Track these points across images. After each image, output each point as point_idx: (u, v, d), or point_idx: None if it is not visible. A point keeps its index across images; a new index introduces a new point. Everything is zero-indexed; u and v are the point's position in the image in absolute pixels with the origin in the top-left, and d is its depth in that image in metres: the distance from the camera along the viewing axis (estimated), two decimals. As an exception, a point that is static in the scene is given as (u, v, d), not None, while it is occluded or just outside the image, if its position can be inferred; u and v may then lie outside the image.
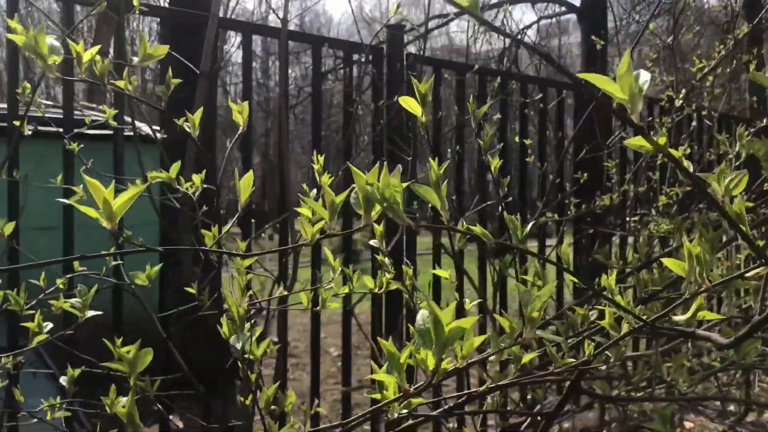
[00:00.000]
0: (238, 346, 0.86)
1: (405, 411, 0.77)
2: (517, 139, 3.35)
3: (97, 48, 0.86)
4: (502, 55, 5.87)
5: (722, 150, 3.66)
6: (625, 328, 0.88)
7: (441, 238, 2.97)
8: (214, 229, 1.43)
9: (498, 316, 0.81)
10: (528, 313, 0.74)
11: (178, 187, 1.84)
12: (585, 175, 3.06)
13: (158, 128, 2.64)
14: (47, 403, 1.62)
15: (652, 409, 1.18)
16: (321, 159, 1.28)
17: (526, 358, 1.06)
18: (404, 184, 0.68)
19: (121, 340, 1.32)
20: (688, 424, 4.08)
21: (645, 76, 0.59)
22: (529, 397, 2.17)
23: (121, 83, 1.02)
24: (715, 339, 0.81)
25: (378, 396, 0.84)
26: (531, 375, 1.01)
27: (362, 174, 0.69)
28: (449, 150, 3.36)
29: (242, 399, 1.44)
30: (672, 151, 0.64)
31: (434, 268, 3.03)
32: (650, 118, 3.86)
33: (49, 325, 1.48)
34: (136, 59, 0.93)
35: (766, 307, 0.75)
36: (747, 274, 0.72)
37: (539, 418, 1.24)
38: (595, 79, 0.58)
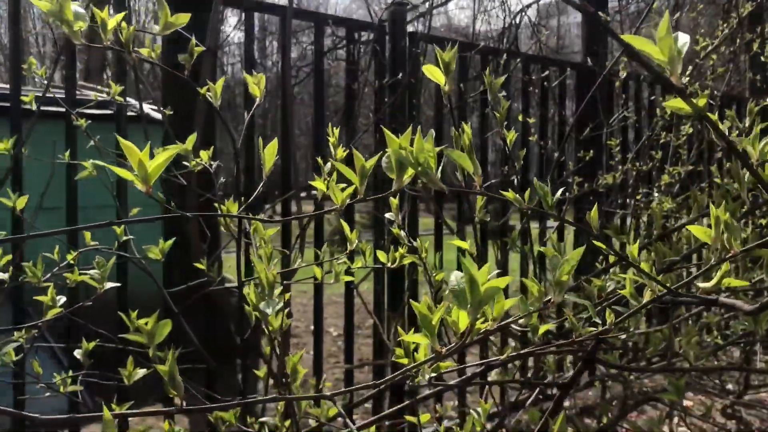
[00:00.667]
0: (269, 311, 0.87)
1: (434, 374, 0.77)
2: (520, 117, 3.35)
3: (122, 14, 0.86)
4: (502, 35, 5.84)
5: (725, 127, 3.67)
6: (647, 296, 0.89)
7: (440, 219, 2.98)
8: (228, 202, 1.43)
9: (526, 280, 0.81)
10: (557, 277, 0.75)
11: (186, 163, 1.84)
12: (591, 152, 3.07)
13: (155, 107, 2.64)
14: (59, 377, 1.62)
15: (669, 381, 1.19)
16: (336, 131, 1.28)
17: (544, 327, 1.07)
18: (438, 149, 0.68)
19: (136, 313, 1.32)
20: (687, 403, 4.13)
21: (684, 38, 0.59)
22: (539, 374, 2.18)
23: (145, 51, 1.01)
24: (740, 306, 0.82)
25: (405, 360, 0.85)
26: (550, 344, 1.02)
27: (396, 138, 0.69)
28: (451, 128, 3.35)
29: (256, 371, 1.45)
30: (709, 114, 0.64)
31: (436, 248, 3.03)
32: (652, 98, 3.87)
33: (63, 299, 1.48)
34: (157, 27, 0.93)
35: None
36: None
37: (556, 389, 1.25)
38: (635, 41, 0.58)
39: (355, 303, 3.28)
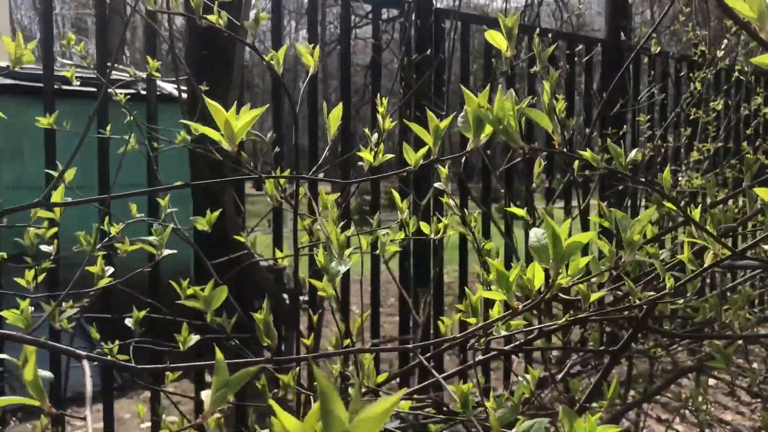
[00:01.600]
0: (341, 269, 0.89)
1: (505, 332, 0.79)
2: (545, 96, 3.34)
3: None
4: (524, 13, 5.81)
5: (756, 103, 3.63)
6: (709, 259, 0.90)
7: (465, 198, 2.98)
8: (276, 172, 1.45)
9: (597, 240, 0.83)
10: (628, 237, 0.76)
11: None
12: (624, 127, 3.05)
13: (178, 87, 2.66)
14: (107, 346, 1.66)
15: (717, 350, 1.20)
16: (385, 101, 1.29)
17: (595, 295, 1.08)
18: (517, 106, 0.69)
19: (186, 282, 1.35)
20: (711, 381, 4.14)
21: (772, -6, 0.60)
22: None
23: (212, 17, 1.02)
24: (803, 266, 0.82)
25: (473, 320, 0.86)
26: (605, 310, 1.03)
27: (474, 96, 0.70)
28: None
29: (304, 340, 1.47)
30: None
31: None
32: (681, 74, 3.83)
33: (111, 269, 1.51)
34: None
35: None
36: None
37: (606, 355, 1.27)
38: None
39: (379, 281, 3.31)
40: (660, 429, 3.50)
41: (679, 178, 3.03)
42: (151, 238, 1.23)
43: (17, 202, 1.71)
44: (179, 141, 1.94)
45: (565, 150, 0.70)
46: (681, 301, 1.00)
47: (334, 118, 1.00)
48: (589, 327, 1.75)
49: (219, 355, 0.51)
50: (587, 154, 0.78)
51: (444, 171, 1.24)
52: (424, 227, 1.52)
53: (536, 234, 0.68)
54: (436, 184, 1.27)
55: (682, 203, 2.03)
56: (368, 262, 3.69)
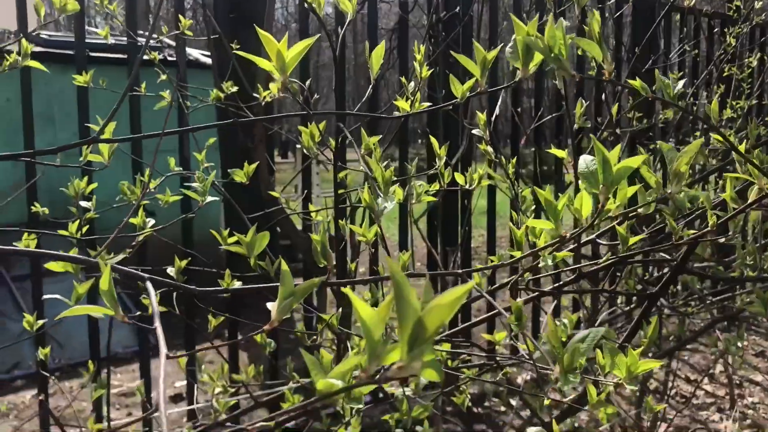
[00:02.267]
0: (388, 205, 0.90)
1: (551, 262, 0.80)
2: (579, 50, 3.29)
3: None
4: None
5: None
6: (753, 195, 0.90)
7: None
8: (311, 126, 1.46)
9: (644, 171, 0.83)
10: (675, 168, 0.76)
11: (256, 95, 1.87)
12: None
13: (205, 53, 2.68)
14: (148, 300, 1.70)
15: (757, 295, 1.20)
16: (422, 48, 1.29)
17: (634, 239, 1.09)
18: (568, 37, 0.69)
19: (226, 231, 1.37)
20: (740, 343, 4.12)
21: None
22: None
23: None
24: None
25: (517, 253, 0.87)
26: (646, 249, 1.04)
27: (523, 25, 0.70)
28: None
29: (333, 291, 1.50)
30: None
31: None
32: (715, 30, 3.75)
33: (152, 221, 1.54)
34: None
35: None
36: None
37: (644, 299, 1.28)
38: None
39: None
40: (689, 389, 3.51)
41: (711, 137, 2.99)
42: (194, 184, 1.25)
43: (50, 168, 1.76)
44: (212, 98, 1.96)
45: (613, 78, 0.70)
46: (722, 240, 1.00)
47: (376, 57, 1.01)
48: (623, 280, 1.75)
49: (284, 266, 0.53)
50: (636, 83, 0.78)
51: (482, 116, 1.25)
52: (459, 177, 1.53)
53: (585, 161, 0.68)
54: (474, 131, 1.27)
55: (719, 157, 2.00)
56: (393, 226, 3.70)
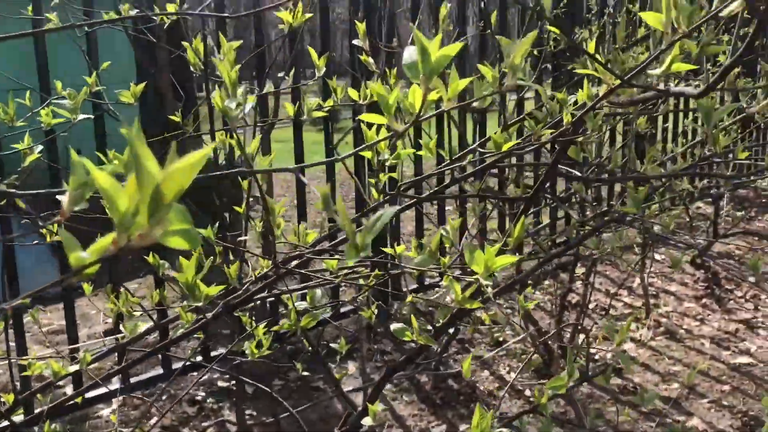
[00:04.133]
0: (233, 106, 0.89)
1: (389, 156, 0.81)
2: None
3: None
4: None
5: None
6: (603, 90, 0.92)
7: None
8: (195, 41, 1.42)
9: (481, 66, 0.84)
10: (510, 61, 0.77)
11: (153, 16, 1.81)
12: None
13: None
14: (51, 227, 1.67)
15: (630, 195, 1.24)
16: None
17: (508, 145, 1.11)
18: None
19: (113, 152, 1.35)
20: (658, 256, 4.31)
21: None
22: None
23: None
24: (689, 92, 0.85)
25: (368, 154, 0.88)
26: (511, 151, 1.06)
27: None
28: None
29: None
30: None
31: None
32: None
33: (40, 147, 1.50)
34: None
35: (736, 50, 0.78)
36: (722, 12, 0.75)
37: (521, 202, 1.32)
38: None
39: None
40: (608, 301, 3.67)
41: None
42: (64, 102, 1.21)
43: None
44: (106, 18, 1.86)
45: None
46: (581, 139, 1.03)
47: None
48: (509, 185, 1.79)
49: (74, 155, 0.51)
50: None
51: (361, 26, 1.23)
52: (352, 93, 1.52)
53: (409, 52, 0.69)
54: (354, 41, 1.26)
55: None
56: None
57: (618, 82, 0.87)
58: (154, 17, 1.81)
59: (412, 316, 1.07)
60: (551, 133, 0.98)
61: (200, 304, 0.83)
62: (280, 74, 2.17)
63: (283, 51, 2.40)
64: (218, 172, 1.19)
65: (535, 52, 3.25)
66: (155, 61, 2.37)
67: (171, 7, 1.67)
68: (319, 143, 3.33)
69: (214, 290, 0.87)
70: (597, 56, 0.86)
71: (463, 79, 0.74)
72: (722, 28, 1.33)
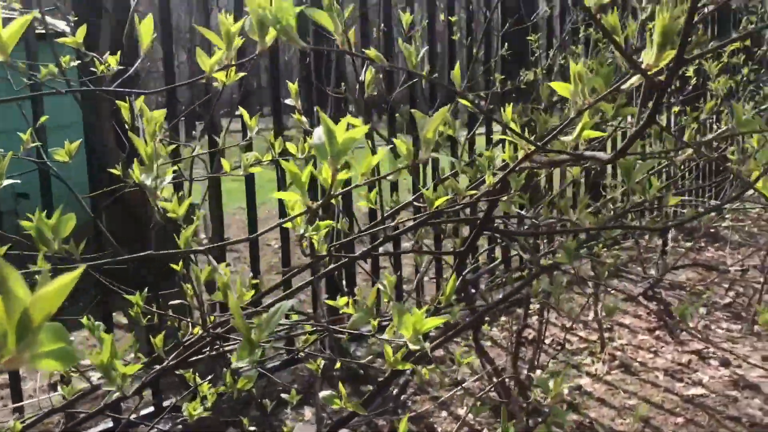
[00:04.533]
0: (149, 182, 0.88)
1: (304, 228, 0.82)
2: (442, 17, 3.34)
3: None
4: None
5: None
6: (520, 154, 0.94)
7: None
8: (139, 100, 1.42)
9: (396, 140, 0.85)
10: (423, 135, 0.79)
11: (93, 69, 1.80)
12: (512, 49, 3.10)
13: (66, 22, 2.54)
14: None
15: (564, 248, 1.27)
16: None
17: (441, 200, 1.13)
18: (297, 9, 0.70)
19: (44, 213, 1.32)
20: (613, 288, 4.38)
21: None
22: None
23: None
24: (600, 156, 0.88)
25: (289, 224, 0.89)
26: (440, 210, 1.07)
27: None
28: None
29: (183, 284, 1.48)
30: None
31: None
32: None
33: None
34: None
35: (641, 119, 0.81)
36: (623, 86, 0.78)
37: (454, 256, 1.34)
38: None
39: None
40: (563, 335, 3.70)
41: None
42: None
43: None
44: (42, 76, 1.80)
45: (346, 48, 0.72)
46: (505, 198, 1.05)
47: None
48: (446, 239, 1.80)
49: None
50: (371, 52, 0.80)
51: (293, 86, 1.25)
52: (291, 147, 1.53)
53: (317, 133, 0.70)
54: (286, 101, 1.27)
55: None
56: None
57: (533, 148, 0.89)
58: (95, 69, 1.81)
59: (340, 383, 1.06)
60: (474, 194, 1.00)
61: (115, 387, 0.81)
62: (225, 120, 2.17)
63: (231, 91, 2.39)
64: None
65: (482, 94, 3.32)
66: (98, 111, 2.35)
67: (112, 60, 1.67)
68: (275, 181, 3.33)
69: (133, 369, 0.86)
70: (512, 124, 0.88)
71: (375, 156, 0.75)
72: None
